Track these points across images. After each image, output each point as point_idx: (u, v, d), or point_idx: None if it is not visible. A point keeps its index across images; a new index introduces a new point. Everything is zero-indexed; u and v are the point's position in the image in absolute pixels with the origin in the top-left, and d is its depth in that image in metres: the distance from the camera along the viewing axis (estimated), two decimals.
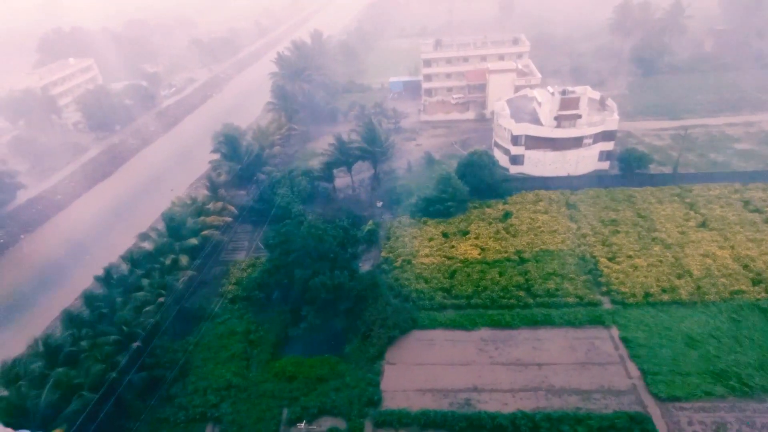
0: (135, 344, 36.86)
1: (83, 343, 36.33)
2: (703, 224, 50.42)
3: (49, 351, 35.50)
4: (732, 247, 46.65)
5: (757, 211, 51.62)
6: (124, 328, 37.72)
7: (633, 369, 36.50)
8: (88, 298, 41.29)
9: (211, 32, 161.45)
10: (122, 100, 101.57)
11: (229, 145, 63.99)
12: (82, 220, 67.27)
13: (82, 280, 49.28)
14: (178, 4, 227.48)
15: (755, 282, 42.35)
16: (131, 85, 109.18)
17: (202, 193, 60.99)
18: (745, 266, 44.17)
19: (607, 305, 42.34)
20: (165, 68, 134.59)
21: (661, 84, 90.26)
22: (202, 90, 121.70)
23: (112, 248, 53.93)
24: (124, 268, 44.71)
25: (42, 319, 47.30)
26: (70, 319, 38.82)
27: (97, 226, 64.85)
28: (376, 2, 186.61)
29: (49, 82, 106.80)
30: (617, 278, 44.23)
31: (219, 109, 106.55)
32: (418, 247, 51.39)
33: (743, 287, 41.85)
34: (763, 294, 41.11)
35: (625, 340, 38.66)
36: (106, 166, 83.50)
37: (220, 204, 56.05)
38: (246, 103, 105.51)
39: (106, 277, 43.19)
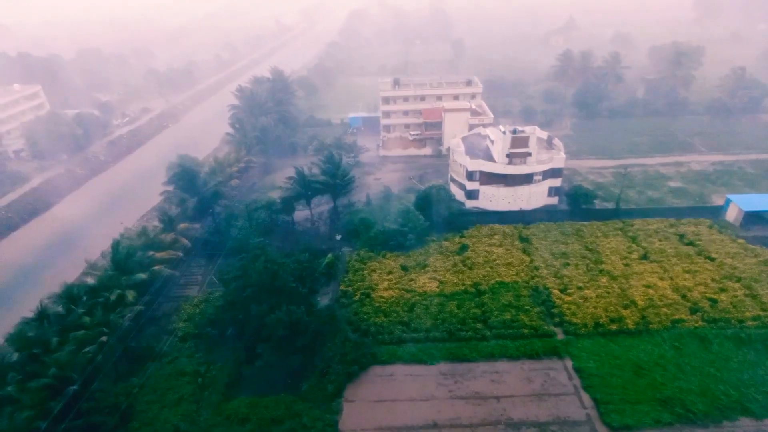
0: (72, 388, 33.75)
1: (9, 389, 32.84)
2: (644, 256, 53.18)
3: None
4: (671, 278, 49.31)
5: (690, 244, 55.15)
6: (59, 370, 34.51)
7: (587, 399, 37.12)
8: (16, 338, 37.57)
9: (170, 63, 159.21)
10: (71, 129, 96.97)
11: (185, 176, 62.01)
12: (19, 255, 62.28)
13: (14, 320, 45.06)
14: (134, 35, 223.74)
15: (693, 311, 44.75)
16: (81, 113, 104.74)
17: (154, 225, 58.32)
18: (683, 296, 46.67)
19: (560, 336, 43.25)
20: (119, 97, 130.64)
21: (601, 126, 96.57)
22: (157, 120, 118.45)
23: (52, 285, 49.90)
24: (60, 306, 41.33)
25: None
26: None
27: (36, 261, 60.14)
28: (337, 41, 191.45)
29: None
30: (569, 309, 45.44)
31: (175, 140, 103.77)
32: (377, 281, 50.95)
33: (683, 316, 44.07)
34: (700, 322, 43.40)
35: (578, 371, 39.44)
36: (48, 196, 78.36)
37: (171, 236, 53.70)
38: (204, 134, 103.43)
39: (40, 316, 39.66)
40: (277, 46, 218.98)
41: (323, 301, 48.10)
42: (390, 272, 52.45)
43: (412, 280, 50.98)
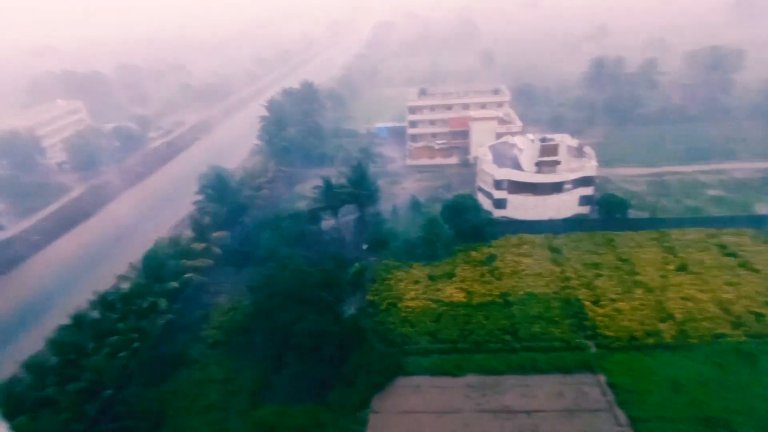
0: (106, 392, 34.86)
1: (49, 391, 34.19)
2: (682, 268, 51.09)
3: (10, 400, 33.27)
4: (712, 291, 47.14)
5: (732, 255, 52.66)
6: (94, 374, 35.72)
7: (621, 416, 35.65)
8: (55, 344, 39.20)
9: (203, 78, 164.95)
10: (110, 142, 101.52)
11: (216, 186, 63.80)
12: (60, 262, 65.19)
13: (55, 325, 47.01)
14: (171, 51, 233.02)
15: (736, 325, 42.57)
16: (119, 127, 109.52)
17: (186, 234, 60.05)
18: (725, 310, 44.50)
19: (593, 349, 41.89)
20: (154, 111, 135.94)
21: (634, 133, 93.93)
22: (190, 133, 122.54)
23: (90, 290, 51.96)
24: (97, 312, 42.89)
25: (8, 368, 44.60)
26: (33, 366, 36.68)
27: (76, 268, 62.78)
28: (364, 53, 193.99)
29: (35, 122, 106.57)
30: (602, 322, 44.04)
31: (207, 151, 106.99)
32: (403, 291, 50.80)
33: (725, 330, 41.99)
34: (744, 337, 41.22)
35: (612, 386, 38.00)
36: (88, 206, 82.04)
37: (203, 245, 55.11)
38: (234, 146, 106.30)
39: (77, 322, 41.22)
40: (306, 59, 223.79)
41: (350, 310, 48.21)
42: (417, 282, 52.21)
43: (438, 290, 50.58)
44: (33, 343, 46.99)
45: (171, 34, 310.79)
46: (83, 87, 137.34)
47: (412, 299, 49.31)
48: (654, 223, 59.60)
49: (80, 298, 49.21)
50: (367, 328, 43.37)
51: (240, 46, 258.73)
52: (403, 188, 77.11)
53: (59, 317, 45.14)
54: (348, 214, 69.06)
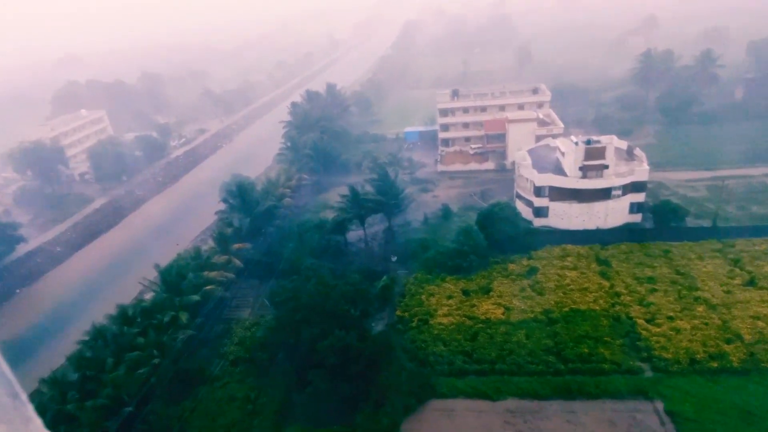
0: (126, 409, 35.78)
1: (69, 407, 35.36)
2: (750, 282, 48.60)
3: None
4: None
5: None
6: (114, 390, 36.76)
7: None
8: (75, 359, 40.62)
9: (225, 84, 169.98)
10: (132, 151, 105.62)
11: (238, 196, 65.19)
12: (82, 275, 67.81)
13: (76, 338, 48.74)
14: (193, 57, 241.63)
15: None
16: (141, 136, 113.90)
17: (208, 245, 61.44)
18: None
19: (648, 373, 40.23)
20: (176, 120, 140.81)
21: (691, 133, 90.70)
22: (212, 141, 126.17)
23: (111, 304, 53.73)
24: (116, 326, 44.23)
25: (28, 383, 46.43)
26: (53, 381, 38.06)
27: (97, 280, 65.19)
28: (390, 55, 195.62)
29: (59, 133, 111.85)
30: (658, 342, 42.31)
31: (229, 159, 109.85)
32: (435, 306, 50.29)
33: None
34: None
35: (671, 414, 36.26)
36: (110, 217, 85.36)
37: (225, 257, 56.21)
38: (256, 153, 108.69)
39: (96, 337, 42.59)
40: (330, 62, 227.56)
41: (378, 326, 48.03)
42: (450, 297, 51.63)
43: (474, 305, 49.84)
44: (54, 356, 48.89)
45: (191, 39, 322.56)
46: (106, 96, 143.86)
47: (445, 315, 48.72)
48: (716, 233, 57.03)
49: (101, 311, 50.98)
50: (397, 345, 42.98)
51: (262, 50, 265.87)
52: (435, 196, 76.74)
53: (80, 331, 46.79)
54: (376, 224, 69.19)
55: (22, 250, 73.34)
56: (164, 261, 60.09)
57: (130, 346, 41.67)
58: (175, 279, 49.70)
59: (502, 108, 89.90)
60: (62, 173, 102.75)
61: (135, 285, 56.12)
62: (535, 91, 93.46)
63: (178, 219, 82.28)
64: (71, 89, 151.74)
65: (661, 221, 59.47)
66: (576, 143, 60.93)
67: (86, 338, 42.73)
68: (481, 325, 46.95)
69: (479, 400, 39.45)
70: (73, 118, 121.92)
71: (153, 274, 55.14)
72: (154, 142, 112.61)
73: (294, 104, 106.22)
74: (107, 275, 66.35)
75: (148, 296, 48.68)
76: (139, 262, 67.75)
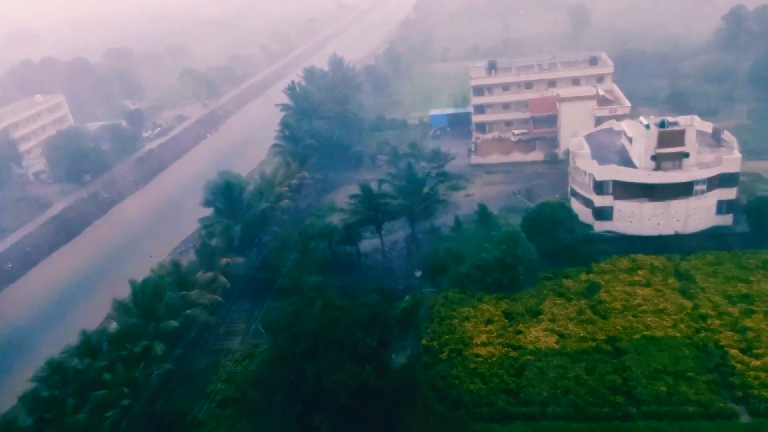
0: None
1: None
2: None
3: None
4: None
5: None
6: None
7: None
8: (29, 399, 41.23)
9: (209, 60, 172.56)
10: (97, 144, 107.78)
11: (226, 198, 65.94)
12: (37, 296, 69.30)
13: (29, 374, 49.70)
14: (171, 29, 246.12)
15: None
16: (108, 125, 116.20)
17: (190, 259, 62.22)
18: None
19: (745, 417, 39.66)
20: (150, 105, 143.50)
21: None
22: (194, 130, 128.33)
23: (73, 331, 54.68)
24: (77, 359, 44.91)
25: None
26: (5, 427, 38.75)
27: (55, 303, 66.51)
28: (412, 19, 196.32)
29: (9, 124, 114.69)
30: (757, 378, 41.53)
31: (214, 152, 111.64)
32: (471, 333, 50.22)
33: None
34: None
35: None
36: (71, 225, 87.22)
37: (210, 274, 56.83)
38: (247, 145, 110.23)
39: (54, 372, 43.24)
40: (338, 30, 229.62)
41: (399, 359, 48.20)
42: (489, 321, 51.55)
43: (520, 332, 49.73)
44: (4, 396, 49.96)
45: (169, 5, 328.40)
46: (66, 78, 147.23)
47: (484, 345, 48.59)
48: None
49: (60, 341, 51.91)
50: (423, 382, 43.08)
51: (254, 20, 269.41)
52: (469, 195, 76.72)
53: (35, 365, 47.61)
54: (395, 231, 69.31)
55: None
56: (137, 277, 61.06)
57: (94, 384, 42.29)
58: (149, 300, 50.33)
59: (552, 83, 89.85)
60: (13, 173, 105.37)
61: (100, 308, 56.87)
62: (593, 62, 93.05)
63: (152, 227, 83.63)
64: (23, 70, 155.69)
65: (759, 224, 58.72)
66: (647, 126, 60.50)
67: (42, 374, 43.46)
68: (529, 356, 46.80)
69: None
70: (26, 106, 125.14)
71: (123, 294, 56.11)
72: (123, 132, 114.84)
73: (293, 84, 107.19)
74: (67, 296, 67.69)
75: (112, 325, 49.40)
76: (104, 282, 69.09)
